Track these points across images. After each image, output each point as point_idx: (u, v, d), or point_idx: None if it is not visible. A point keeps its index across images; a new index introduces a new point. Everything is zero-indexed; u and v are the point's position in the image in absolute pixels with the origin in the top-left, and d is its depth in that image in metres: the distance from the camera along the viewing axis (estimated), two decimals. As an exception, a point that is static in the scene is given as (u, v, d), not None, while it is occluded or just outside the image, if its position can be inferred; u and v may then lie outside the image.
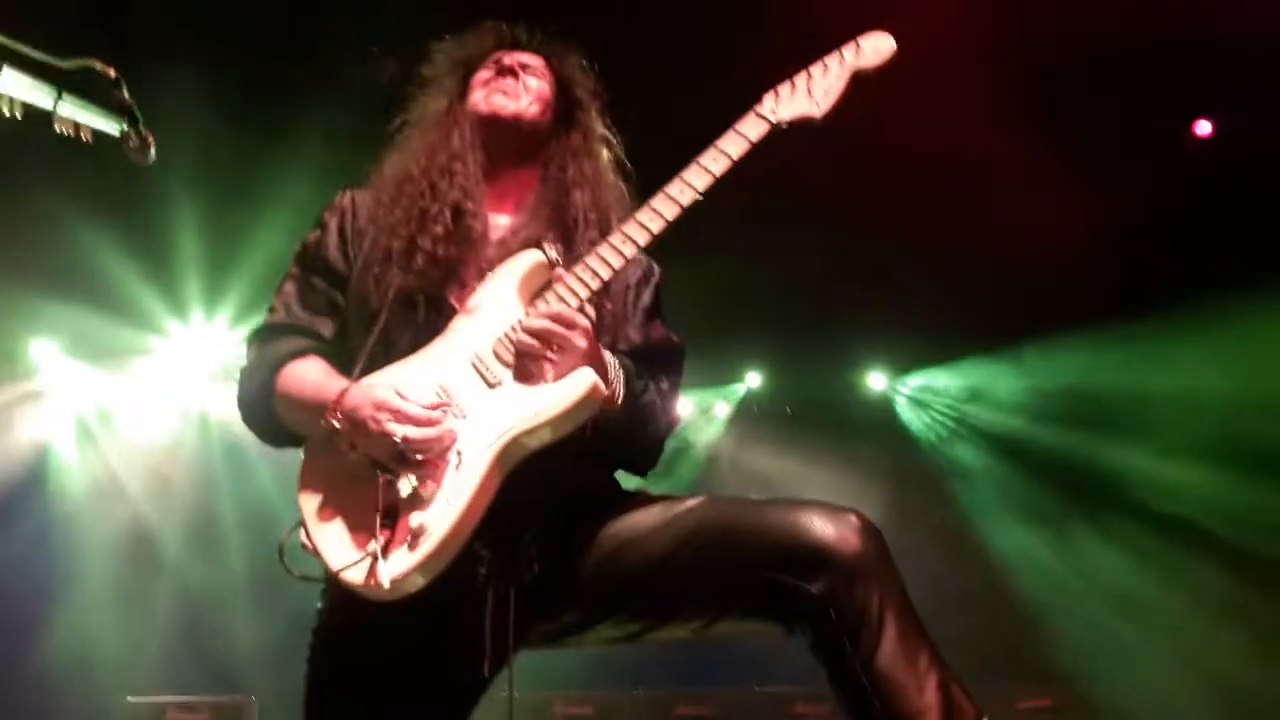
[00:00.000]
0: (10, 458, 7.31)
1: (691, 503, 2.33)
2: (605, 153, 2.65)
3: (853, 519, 2.18)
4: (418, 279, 2.41)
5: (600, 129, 2.66)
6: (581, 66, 2.68)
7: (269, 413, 2.42)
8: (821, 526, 2.15)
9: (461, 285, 2.43)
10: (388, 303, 2.40)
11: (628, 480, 2.57)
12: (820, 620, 2.12)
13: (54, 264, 6.46)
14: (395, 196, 2.51)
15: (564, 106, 2.63)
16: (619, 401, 2.33)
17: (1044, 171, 5.96)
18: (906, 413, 8.97)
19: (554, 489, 2.32)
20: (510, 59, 2.61)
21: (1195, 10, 5.23)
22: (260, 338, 2.51)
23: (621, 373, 2.37)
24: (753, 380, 8.80)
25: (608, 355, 2.36)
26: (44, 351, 7.31)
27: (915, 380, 8.96)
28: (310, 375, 2.38)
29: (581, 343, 2.24)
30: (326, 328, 2.49)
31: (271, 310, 2.54)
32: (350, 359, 2.41)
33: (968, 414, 8.80)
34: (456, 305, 2.40)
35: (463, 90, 2.63)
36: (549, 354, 2.24)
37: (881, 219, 6.62)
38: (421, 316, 2.40)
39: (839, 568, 2.12)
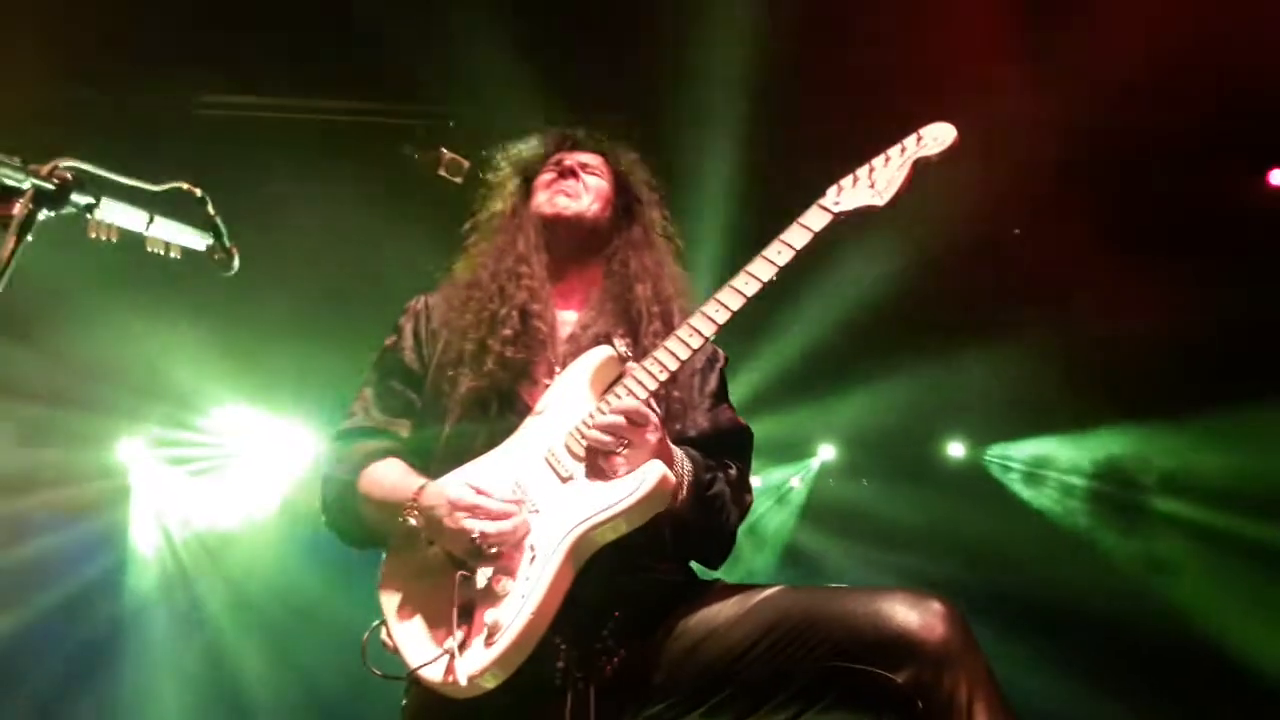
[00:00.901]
0: (90, 549, 7.38)
1: (769, 592, 2.33)
2: (665, 243, 2.73)
3: (936, 605, 2.15)
4: (490, 380, 2.48)
5: (660, 221, 2.74)
6: (639, 162, 2.78)
7: (352, 514, 2.49)
8: (905, 614, 2.13)
9: (534, 383, 2.50)
10: (462, 403, 2.47)
11: (704, 570, 2.58)
12: (908, 711, 2.09)
13: (144, 365, 6.62)
14: (465, 300, 2.60)
15: (624, 202, 2.72)
16: (684, 493, 2.35)
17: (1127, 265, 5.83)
18: (1020, 486, 8.43)
19: (631, 582, 2.35)
20: (570, 160, 2.71)
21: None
22: (340, 442, 2.59)
23: (690, 465, 2.39)
24: (826, 453, 8.67)
25: (676, 450, 2.39)
26: (131, 449, 7.47)
27: (1018, 450, 8.47)
28: (389, 475, 2.45)
29: (651, 437, 2.28)
30: (404, 429, 2.57)
31: (351, 414, 2.62)
32: (428, 457, 2.47)
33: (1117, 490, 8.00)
34: (529, 403, 2.46)
35: (526, 193, 2.74)
36: (619, 450, 2.27)
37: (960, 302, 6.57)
38: (495, 415, 2.46)
39: (925, 657, 2.09)
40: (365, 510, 2.47)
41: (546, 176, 2.72)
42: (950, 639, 2.10)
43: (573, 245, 2.68)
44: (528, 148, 2.79)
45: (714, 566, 2.57)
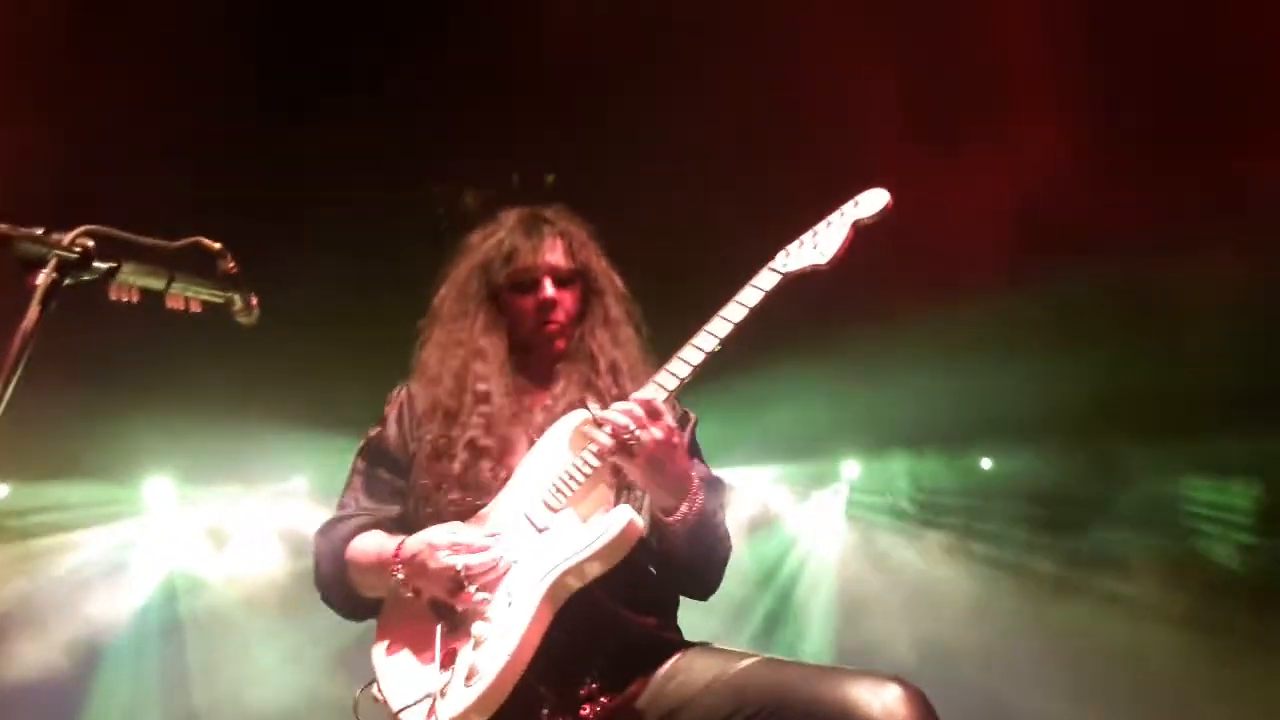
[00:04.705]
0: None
1: (747, 664, 2.40)
2: (622, 312, 2.83)
3: (895, 690, 2.21)
4: (473, 468, 2.62)
5: (615, 295, 2.84)
6: (597, 248, 2.85)
7: (343, 584, 2.64)
8: (867, 703, 2.19)
9: (514, 453, 2.64)
10: (447, 487, 2.61)
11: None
12: None
13: (172, 402, 6.59)
14: (438, 396, 2.72)
15: (585, 292, 2.81)
16: (696, 506, 2.45)
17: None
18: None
19: (615, 633, 2.45)
20: (551, 291, 2.74)
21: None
22: (329, 527, 2.73)
23: (701, 487, 2.50)
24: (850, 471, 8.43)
25: (690, 461, 2.52)
26: (158, 489, 7.39)
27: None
28: (372, 542, 2.61)
29: (659, 433, 2.37)
30: (393, 511, 2.72)
31: (342, 505, 2.77)
32: (419, 524, 2.59)
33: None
34: (508, 473, 2.59)
35: (497, 292, 2.79)
36: (628, 437, 2.36)
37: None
38: (478, 493, 2.60)
39: None
40: (355, 578, 2.61)
41: (523, 299, 2.76)
42: None
43: (545, 353, 2.79)
44: (497, 244, 2.81)
45: (704, 597, 2.65)
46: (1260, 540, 7.23)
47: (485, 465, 2.60)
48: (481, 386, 2.69)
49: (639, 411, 2.38)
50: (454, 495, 2.58)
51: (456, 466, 2.60)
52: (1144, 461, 7.12)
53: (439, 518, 2.56)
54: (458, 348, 2.75)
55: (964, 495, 8.16)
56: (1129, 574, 7.43)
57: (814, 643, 8.12)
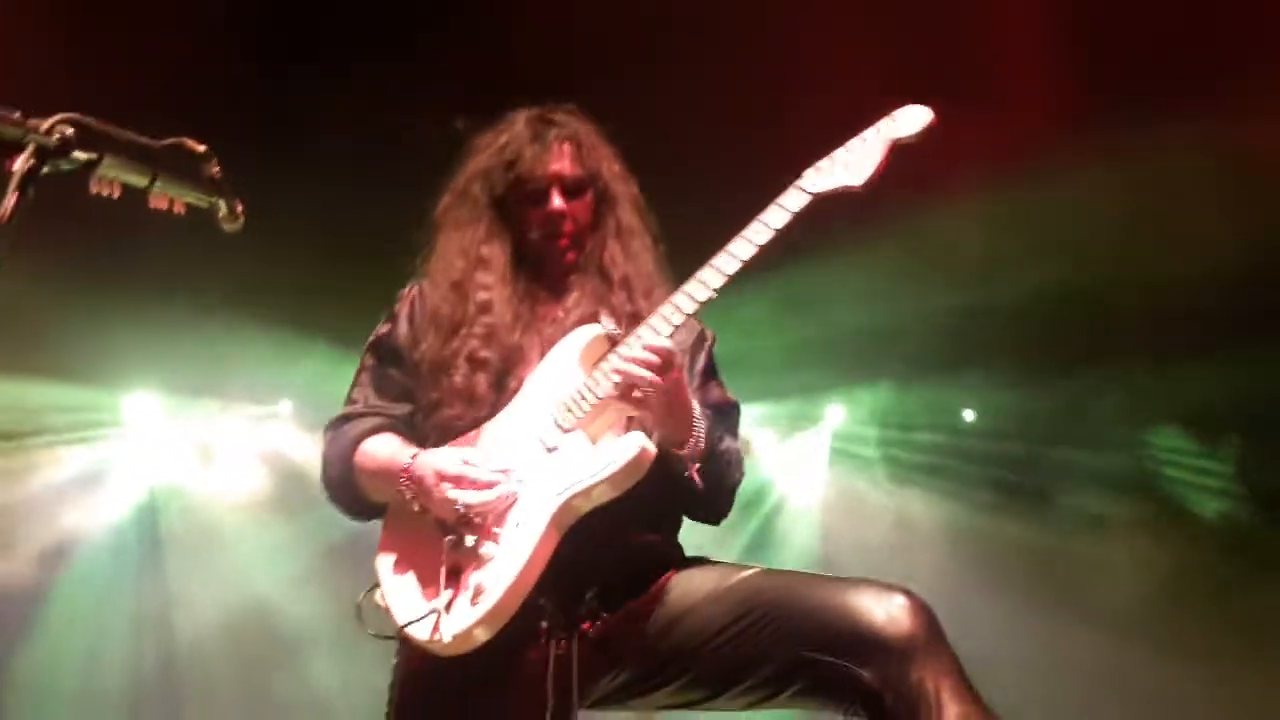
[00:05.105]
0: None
1: (747, 574, 2.40)
2: (639, 223, 2.70)
3: (900, 599, 2.21)
4: (482, 369, 2.53)
5: (631, 204, 2.70)
6: (610, 153, 2.70)
7: (351, 486, 2.57)
8: (871, 610, 2.19)
9: (525, 367, 2.55)
10: (455, 391, 2.53)
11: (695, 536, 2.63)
12: (876, 704, 2.16)
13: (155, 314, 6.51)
14: (447, 296, 2.62)
15: (597, 201, 2.66)
16: (702, 446, 2.40)
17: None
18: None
19: (617, 548, 2.41)
20: (559, 202, 2.60)
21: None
22: (338, 423, 2.65)
23: (704, 421, 2.44)
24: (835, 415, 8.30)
25: (694, 403, 2.43)
26: (140, 403, 7.27)
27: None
28: (384, 448, 2.53)
29: (676, 376, 2.31)
30: (402, 410, 2.63)
31: (351, 401, 2.68)
32: (423, 436, 2.54)
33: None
34: (519, 386, 2.52)
35: (501, 199, 2.66)
36: (643, 388, 2.28)
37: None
38: (487, 400, 2.52)
39: (890, 652, 2.15)
40: (363, 482, 2.55)
41: (533, 210, 2.62)
42: (915, 633, 2.16)
43: (555, 265, 2.68)
44: (500, 149, 2.66)
45: (715, 521, 2.62)
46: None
47: (482, 379, 2.51)
48: (483, 295, 2.58)
49: (655, 361, 2.29)
50: (454, 410, 2.50)
51: (458, 380, 2.51)
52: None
53: (442, 432, 2.50)
54: (459, 257, 2.64)
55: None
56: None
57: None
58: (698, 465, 2.39)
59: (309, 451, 6.84)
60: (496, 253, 2.63)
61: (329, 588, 6.67)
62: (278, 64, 5.40)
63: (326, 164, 5.50)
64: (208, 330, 6.30)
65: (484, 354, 2.53)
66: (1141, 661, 6.72)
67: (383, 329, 2.72)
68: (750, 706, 2.39)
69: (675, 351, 2.34)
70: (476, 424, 2.50)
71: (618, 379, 2.32)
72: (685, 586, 2.42)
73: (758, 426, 8.08)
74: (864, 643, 2.17)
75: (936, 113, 2.41)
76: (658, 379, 2.28)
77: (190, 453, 7.53)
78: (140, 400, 7.20)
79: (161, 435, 7.36)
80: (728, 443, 2.52)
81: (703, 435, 2.40)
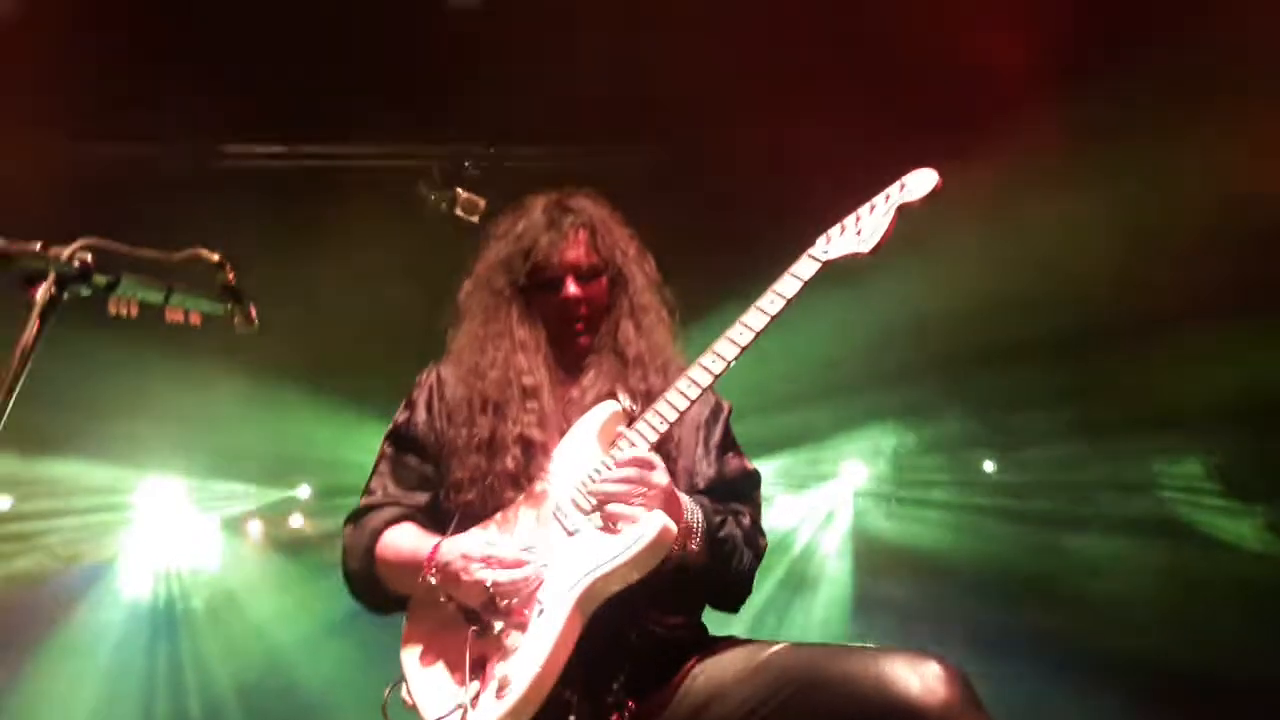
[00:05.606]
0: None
1: (775, 649, 2.38)
2: (654, 300, 2.74)
3: (935, 668, 2.19)
4: (502, 459, 2.55)
5: (645, 283, 2.74)
6: (626, 234, 2.75)
7: (373, 579, 2.57)
8: (906, 679, 2.17)
9: (545, 452, 2.56)
10: (477, 479, 2.55)
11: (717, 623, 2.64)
12: None
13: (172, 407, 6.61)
14: (472, 384, 2.65)
15: (612, 283, 2.71)
16: (697, 540, 2.41)
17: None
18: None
19: (641, 637, 2.42)
20: (574, 289, 2.65)
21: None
22: (358, 515, 2.66)
23: (699, 511, 2.45)
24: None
25: (684, 498, 2.45)
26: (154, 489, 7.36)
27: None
28: (405, 538, 2.54)
29: (661, 480, 2.35)
30: (421, 499, 2.64)
31: (369, 492, 2.69)
32: (444, 525, 2.55)
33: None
34: (540, 471, 2.53)
35: (520, 284, 2.70)
36: (632, 500, 2.33)
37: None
38: (508, 487, 2.53)
39: None
40: (384, 573, 2.55)
41: (551, 297, 2.66)
42: (951, 702, 2.15)
43: (571, 346, 2.71)
44: (517, 239, 2.71)
45: (732, 610, 2.62)
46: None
47: (538, 461, 2.53)
48: (528, 380, 2.61)
49: (632, 475, 2.35)
50: (509, 492, 2.51)
51: (510, 463, 2.52)
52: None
53: (475, 512, 2.51)
54: (499, 339, 2.67)
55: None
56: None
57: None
58: (699, 556, 2.40)
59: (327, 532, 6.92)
60: (531, 336, 2.67)
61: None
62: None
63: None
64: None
65: (540, 437, 2.55)
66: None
67: (400, 416, 2.75)
68: None
69: (650, 459, 2.37)
70: (499, 507, 2.51)
71: (616, 486, 2.35)
72: (712, 670, 2.41)
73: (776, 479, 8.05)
74: (900, 714, 2.15)
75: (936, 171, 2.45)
76: (639, 492, 2.32)
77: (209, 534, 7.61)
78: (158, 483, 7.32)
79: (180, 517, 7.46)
80: (729, 529, 2.51)
81: (697, 529, 2.42)
